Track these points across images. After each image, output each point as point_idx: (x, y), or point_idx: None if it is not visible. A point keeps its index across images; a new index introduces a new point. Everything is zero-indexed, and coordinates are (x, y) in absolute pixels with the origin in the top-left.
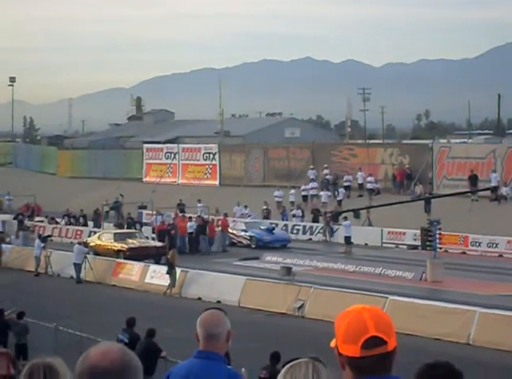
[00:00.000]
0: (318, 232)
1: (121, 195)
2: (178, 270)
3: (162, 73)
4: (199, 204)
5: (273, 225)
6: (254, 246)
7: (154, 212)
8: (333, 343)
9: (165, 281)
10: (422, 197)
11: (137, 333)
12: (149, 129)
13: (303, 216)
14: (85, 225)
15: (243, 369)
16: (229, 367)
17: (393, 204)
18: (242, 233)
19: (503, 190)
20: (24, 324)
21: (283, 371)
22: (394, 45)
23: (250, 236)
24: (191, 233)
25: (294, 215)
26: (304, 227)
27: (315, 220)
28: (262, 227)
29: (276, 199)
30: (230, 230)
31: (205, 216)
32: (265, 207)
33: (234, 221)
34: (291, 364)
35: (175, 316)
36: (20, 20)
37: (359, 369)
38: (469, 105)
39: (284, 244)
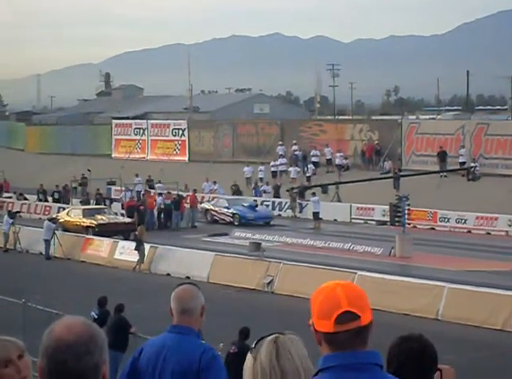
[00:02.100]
0: (288, 208)
1: (88, 170)
2: (147, 246)
3: (132, 48)
4: (136, 178)
5: (256, 202)
6: (236, 223)
7: (123, 188)
8: (310, 321)
9: (134, 257)
10: (392, 175)
11: (107, 310)
12: (118, 104)
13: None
14: (58, 201)
15: (221, 345)
16: (203, 342)
17: (362, 181)
18: (225, 210)
19: (471, 165)
20: None
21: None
22: (364, 21)
23: (233, 213)
24: (161, 209)
25: (265, 191)
26: (273, 202)
27: (276, 196)
28: (245, 204)
29: (246, 175)
30: (212, 207)
31: (142, 191)
32: (256, 184)
33: (215, 198)
34: (255, 342)
35: (144, 292)
36: None
37: (334, 344)
38: (438, 81)
39: (268, 221)
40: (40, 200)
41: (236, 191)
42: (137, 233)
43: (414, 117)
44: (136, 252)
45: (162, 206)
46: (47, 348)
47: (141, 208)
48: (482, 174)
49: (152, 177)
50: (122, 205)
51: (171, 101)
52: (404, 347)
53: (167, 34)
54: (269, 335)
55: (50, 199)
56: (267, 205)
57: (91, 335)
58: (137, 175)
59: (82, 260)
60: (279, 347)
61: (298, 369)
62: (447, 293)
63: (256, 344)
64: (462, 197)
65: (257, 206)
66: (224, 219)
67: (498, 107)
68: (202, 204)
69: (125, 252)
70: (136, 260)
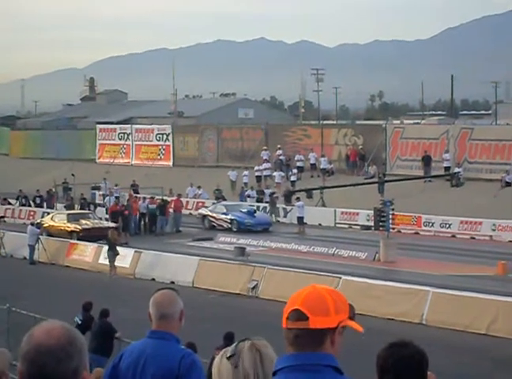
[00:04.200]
0: (268, 213)
1: (72, 175)
2: (131, 251)
3: (116, 53)
4: (104, 182)
5: (254, 207)
6: (235, 230)
7: (108, 193)
8: None
9: (118, 261)
10: (376, 180)
11: (91, 315)
12: (102, 109)
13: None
14: (40, 206)
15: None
16: (182, 347)
17: (346, 186)
18: (223, 216)
19: (456, 171)
20: None
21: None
22: (348, 26)
23: (231, 219)
24: (143, 213)
25: (248, 196)
26: (258, 207)
27: (258, 200)
28: (243, 210)
29: (230, 178)
30: (210, 213)
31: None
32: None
33: (213, 203)
34: (232, 350)
35: (128, 297)
36: None
37: (286, 340)
38: (422, 86)
39: (267, 227)
40: (23, 205)
41: (219, 196)
42: (109, 236)
43: (398, 122)
44: (117, 257)
45: (144, 211)
46: (26, 353)
47: (126, 212)
48: (466, 178)
49: (136, 181)
50: (107, 210)
51: (155, 106)
52: (401, 355)
53: (152, 39)
54: (242, 341)
55: (32, 204)
56: None
57: (70, 339)
58: (104, 179)
59: (67, 265)
60: (261, 352)
61: None
62: (431, 297)
63: (234, 351)
64: (446, 202)
65: (255, 212)
66: (221, 225)
67: (483, 112)
68: (200, 210)
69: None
70: (120, 265)
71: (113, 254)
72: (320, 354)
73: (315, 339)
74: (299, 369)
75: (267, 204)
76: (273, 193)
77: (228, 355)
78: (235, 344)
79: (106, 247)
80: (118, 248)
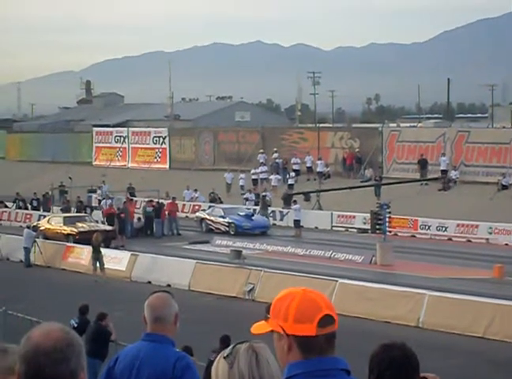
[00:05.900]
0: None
1: (70, 178)
2: (127, 254)
3: (113, 56)
4: (101, 185)
5: (252, 211)
6: (232, 233)
7: (104, 196)
8: (270, 326)
9: (114, 264)
10: (372, 183)
11: (87, 318)
12: (99, 112)
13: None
14: (37, 209)
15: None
16: (177, 350)
17: (343, 189)
18: (220, 219)
19: (452, 174)
20: None
21: (220, 356)
22: (345, 29)
23: (229, 222)
24: (139, 217)
25: (247, 199)
26: (255, 210)
27: (256, 204)
28: (241, 213)
29: (226, 181)
30: (207, 216)
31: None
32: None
33: (210, 207)
34: (230, 350)
35: (124, 300)
36: None
37: (310, 348)
38: (419, 89)
39: (264, 230)
40: (20, 208)
41: (214, 199)
42: (93, 240)
43: (395, 125)
44: (117, 259)
45: (139, 215)
46: (24, 354)
47: (122, 215)
48: (463, 181)
49: (132, 185)
50: (103, 213)
51: (152, 109)
52: (386, 356)
53: (149, 42)
54: (240, 343)
55: (29, 207)
56: None
57: (68, 341)
58: (103, 182)
59: (63, 268)
60: (258, 354)
61: (273, 375)
62: (428, 300)
63: (231, 351)
64: (443, 205)
65: (253, 215)
66: (219, 229)
67: (479, 115)
68: (197, 213)
69: (105, 259)
70: (116, 268)
71: (96, 257)
72: (334, 359)
73: (334, 342)
74: (316, 375)
75: (258, 206)
76: (265, 196)
77: (225, 355)
78: (232, 345)
79: (102, 250)
80: (115, 250)
